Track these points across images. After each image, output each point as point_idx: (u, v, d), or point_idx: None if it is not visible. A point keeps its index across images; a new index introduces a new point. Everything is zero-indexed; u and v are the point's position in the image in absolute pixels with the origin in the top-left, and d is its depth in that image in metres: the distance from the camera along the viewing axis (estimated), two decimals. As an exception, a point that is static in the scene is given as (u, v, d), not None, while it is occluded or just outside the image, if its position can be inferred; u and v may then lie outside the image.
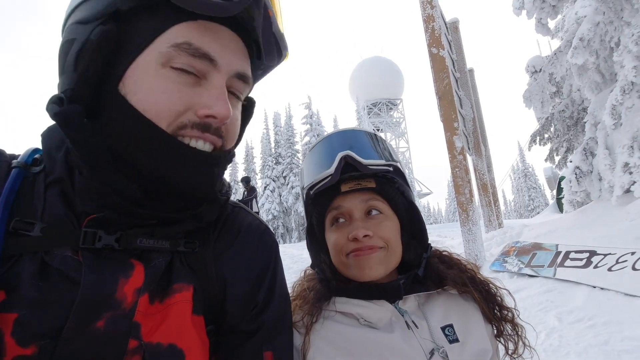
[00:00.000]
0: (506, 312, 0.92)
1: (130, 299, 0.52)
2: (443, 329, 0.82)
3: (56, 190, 0.56)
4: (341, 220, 0.90)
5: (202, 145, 0.58)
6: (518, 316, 0.93)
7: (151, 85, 0.54)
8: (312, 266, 0.99)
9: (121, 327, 0.51)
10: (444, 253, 0.99)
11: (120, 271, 0.53)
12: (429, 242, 0.95)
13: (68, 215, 0.55)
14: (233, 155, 0.75)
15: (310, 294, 0.89)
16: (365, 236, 0.83)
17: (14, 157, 0.60)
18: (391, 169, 0.90)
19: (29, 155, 0.60)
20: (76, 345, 0.47)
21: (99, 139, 0.54)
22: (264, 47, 0.61)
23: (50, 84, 0.69)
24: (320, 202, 0.93)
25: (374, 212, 0.88)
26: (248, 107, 0.73)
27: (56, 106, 0.54)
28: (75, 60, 0.54)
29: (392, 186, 0.92)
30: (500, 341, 0.92)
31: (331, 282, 0.89)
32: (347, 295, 0.86)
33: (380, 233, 0.85)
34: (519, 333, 0.91)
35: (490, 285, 0.94)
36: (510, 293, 0.96)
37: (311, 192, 0.92)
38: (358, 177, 0.89)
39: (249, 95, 0.74)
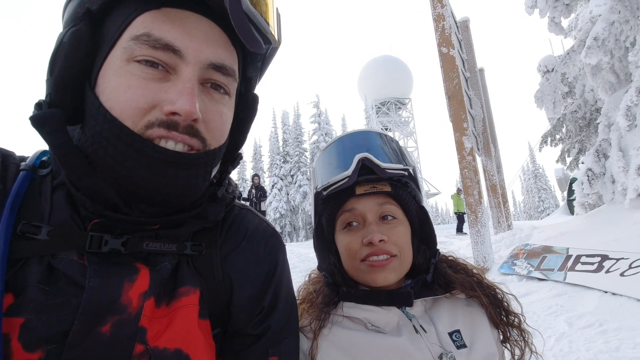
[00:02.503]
0: (513, 317, 0.91)
1: (136, 304, 0.52)
2: (450, 334, 0.81)
3: (63, 193, 0.55)
4: (354, 223, 0.89)
5: (173, 146, 0.53)
6: (525, 322, 0.92)
7: (116, 82, 0.52)
8: (319, 269, 0.99)
9: (127, 331, 0.50)
10: (449, 258, 0.98)
11: (125, 275, 0.53)
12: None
13: (74, 218, 0.54)
14: (240, 157, 0.72)
15: (318, 298, 0.88)
16: (380, 241, 0.83)
17: (23, 159, 0.60)
18: (406, 173, 0.89)
19: (37, 158, 0.60)
20: (82, 350, 0.47)
21: (80, 142, 0.54)
22: (238, 30, 0.53)
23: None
24: (331, 202, 0.92)
25: (388, 218, 0.88)
26: (249, 104, 0.70)
27: (35, 111, 0.54)
28: (51, 64, 0.54)
29: (406, 190, 0.91)
30: (506, 347, 0.91)
31: (341, 287, 0.88)
32: (355, 300, 0.86)
33: (394, 239, 0.85)
34: (526, 339, 0.90)
35: (497, 290, 0.93)
36: (516, 298, 0.95)
37: (324, 193, 0.91)
38: (374, 180, 0.89)
39: (254, 92, 0.71)
